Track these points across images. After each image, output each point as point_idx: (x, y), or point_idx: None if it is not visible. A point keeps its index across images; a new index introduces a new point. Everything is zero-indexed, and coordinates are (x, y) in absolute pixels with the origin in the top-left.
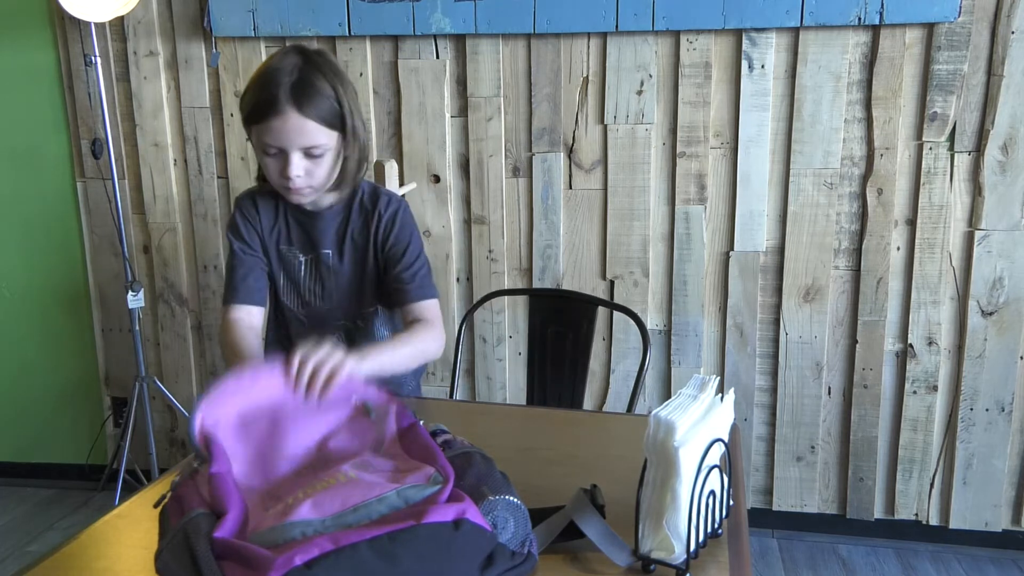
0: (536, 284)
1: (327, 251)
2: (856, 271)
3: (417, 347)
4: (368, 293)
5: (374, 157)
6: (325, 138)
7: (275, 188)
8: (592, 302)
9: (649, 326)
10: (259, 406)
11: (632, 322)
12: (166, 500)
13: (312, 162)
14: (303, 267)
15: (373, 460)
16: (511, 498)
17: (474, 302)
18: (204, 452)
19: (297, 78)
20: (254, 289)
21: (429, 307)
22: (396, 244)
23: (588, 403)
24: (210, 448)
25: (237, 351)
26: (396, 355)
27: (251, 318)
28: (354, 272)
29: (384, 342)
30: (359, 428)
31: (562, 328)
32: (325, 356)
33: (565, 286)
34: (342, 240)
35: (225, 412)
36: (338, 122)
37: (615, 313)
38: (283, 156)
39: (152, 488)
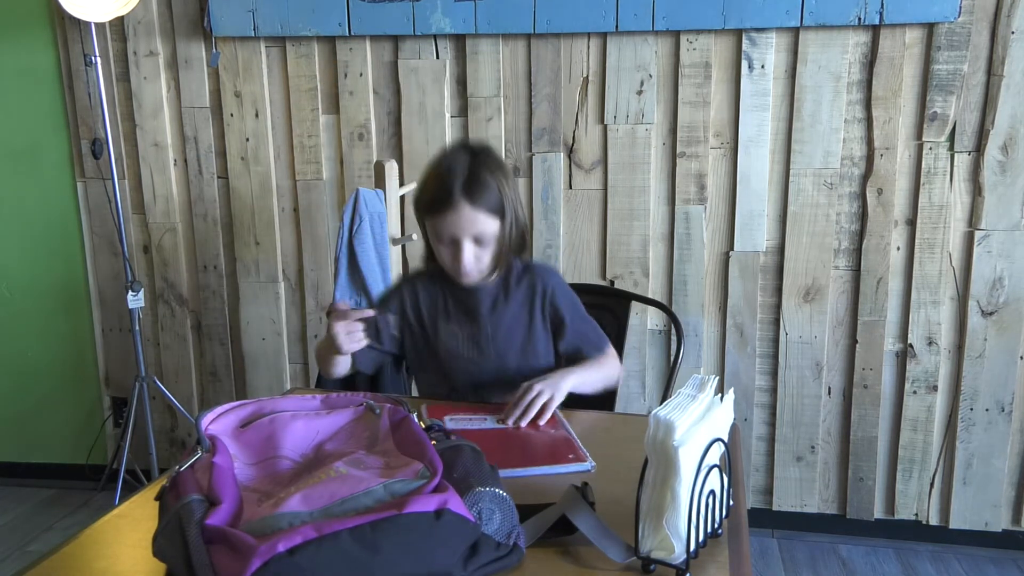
0: None
1: (484, 322)
2: (856, 271)
3: (603, 372)
4: (530, 354)
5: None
6: (491, 226)
7: (446, 271)
8: (625, 296)
9: (649, 326)
10: (259, 411)
11: (631, 322)
12: (166, 487)
13: (480, 248)
14: (461, 339)
15: (366, 458)
16: (497, 490)
17: None
18: (209, 442)
19: (468, 174)
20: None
21: (606, 351)
22: (560, 311)
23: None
24: (215, 442)
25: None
26: (589, 375)
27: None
28: (511, 337)
29: (580, 364)
30: (357, 430)
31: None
32: (546, 386)
33: None
34: (497, 310)
35: (224, 421)
36: (501, 210)
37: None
38: (456, 245)
39: (152, 487)
